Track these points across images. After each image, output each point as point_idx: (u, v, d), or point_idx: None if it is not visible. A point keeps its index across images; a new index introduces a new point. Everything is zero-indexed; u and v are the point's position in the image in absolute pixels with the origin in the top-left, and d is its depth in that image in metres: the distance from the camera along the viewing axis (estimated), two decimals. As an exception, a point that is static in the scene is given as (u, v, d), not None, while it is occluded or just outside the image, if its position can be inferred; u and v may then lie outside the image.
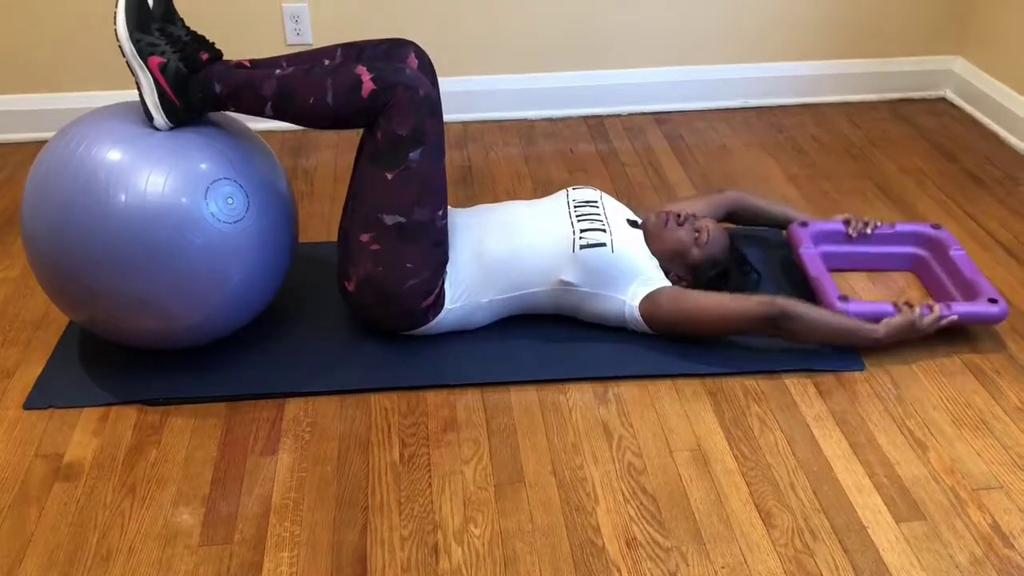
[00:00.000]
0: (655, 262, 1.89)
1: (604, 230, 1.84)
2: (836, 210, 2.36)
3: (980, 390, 1.77)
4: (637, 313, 1.83)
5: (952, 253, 2.00)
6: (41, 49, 2.61)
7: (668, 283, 1.87)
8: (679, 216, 1.94)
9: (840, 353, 1.84)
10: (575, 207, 1.91)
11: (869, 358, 1.84)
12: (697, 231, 1.92)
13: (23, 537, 1.46)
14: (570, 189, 1.99)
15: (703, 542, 1.46)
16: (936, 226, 2.07)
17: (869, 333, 1.80)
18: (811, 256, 1.98)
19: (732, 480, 1.57)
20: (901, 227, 2.09)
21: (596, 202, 1.94)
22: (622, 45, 2.82)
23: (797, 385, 1.78)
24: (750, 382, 1.78)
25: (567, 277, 1.82)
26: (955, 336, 1.89)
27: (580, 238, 1.83)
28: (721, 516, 1.50)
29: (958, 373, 1.81)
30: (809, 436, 1.66)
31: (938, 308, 1.82)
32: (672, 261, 1.91)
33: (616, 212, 1.94)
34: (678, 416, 1.70)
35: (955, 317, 1.82)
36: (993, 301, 1.85)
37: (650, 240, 1.92)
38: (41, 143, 2.63)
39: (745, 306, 1.79)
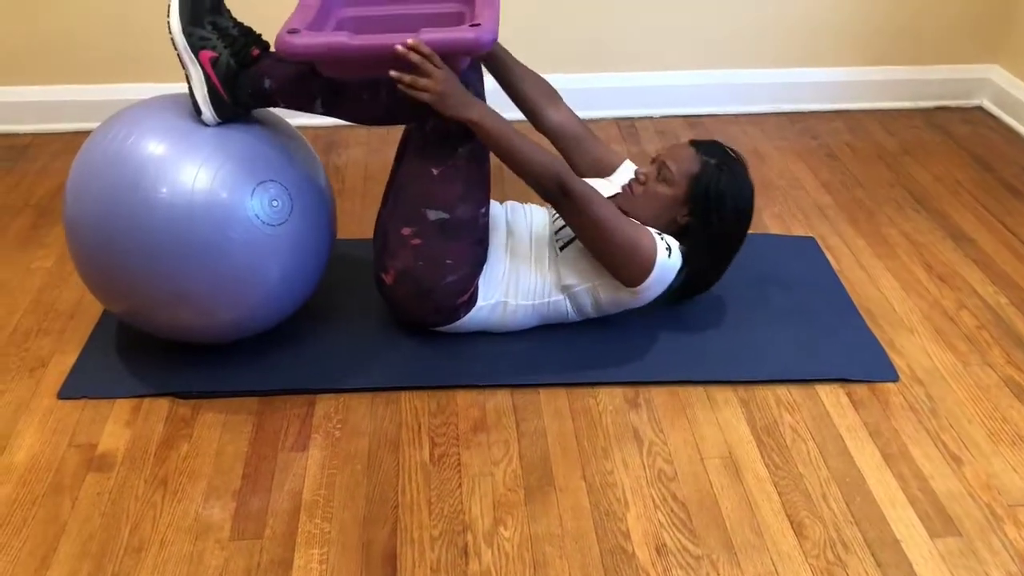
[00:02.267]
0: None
1: None
2: (871, 218, 2.35)
3: (1017, 404, 1.74)
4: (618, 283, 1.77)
5: None
6: (76, 40, 2.63)
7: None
8: (638, 178, 1.84)
9: (873, 363, 1.83)
10: (551, 207, 1.89)
11: (903, 370, 1.82)
12: (659, 172, 1.81)
13: (57, 526, 1.47)
14: None
15: (734, 551, 1.45)
16: None
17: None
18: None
19: (763, 489, 1.56)
20: None
21: None
22: (655, 47, 2.81)
23: (830, 395, 1.76)
24: (782, 391, 1.77)
25: (567, 280, 1.81)
26: (991, 349, 1.87)
27: (556, 239, 1.82)
28: (752, 525, 1.49)
29: (994, 387, 1.78)
30: (842, 447, 1.65)
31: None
32: (666, 214, 1.81)
33: None
34: (709, 423, 1.69)
35: (412, 41, 1.55)
36: (475, 26, 1.59)
37: (637, 215, 1.81)
38: (75, 133, 2.66)
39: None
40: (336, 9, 1.80)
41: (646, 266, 1.74)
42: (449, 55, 1.60)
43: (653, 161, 1.86)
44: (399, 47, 1.55)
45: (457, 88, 1.61)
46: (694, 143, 1.85)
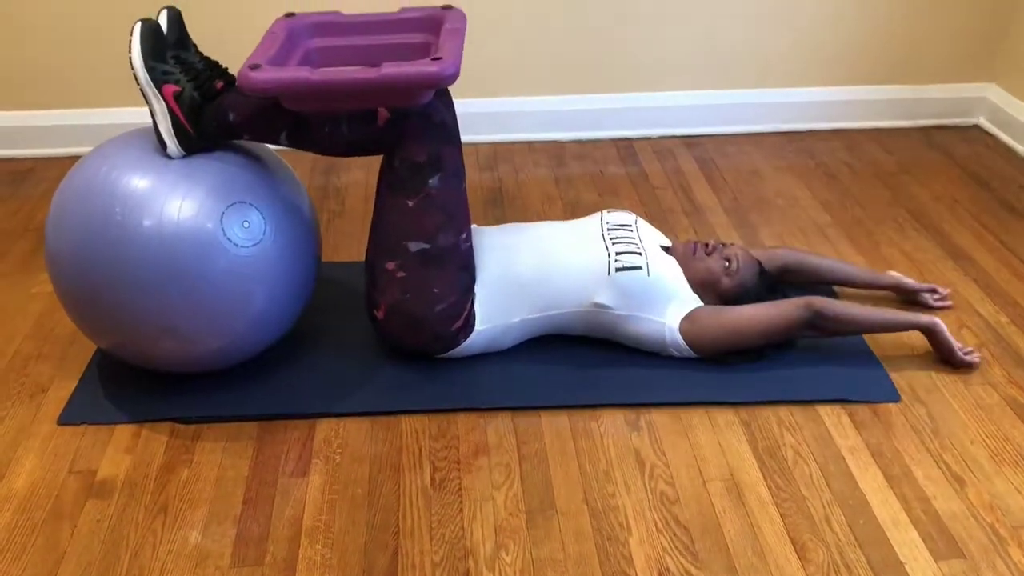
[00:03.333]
0: (688, 287, 1.88)
1: (640, 253, 1.84)
2: (870, 238, 2.35)
3: (1019, 424, 1.74)
4: (678, 335, 1.82)
5: (446, 26, 1.73)
6: (78, 65, 2.64)
7: (702, 303, 1.86)
8: (707, 245, 1.93)
9: (875, 384, 1.82)
10: (609, 230, 1.91)
11: (904, 390, 1.82)
12: (727, 259, 1.91)
13: (56, 553, 1.47)
14: (605, 212, 1.99)
15: (737, 574, 1.44)
16: (447, 7, 1.83)
17: (912, 320, 1.86)
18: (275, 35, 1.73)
19: (766, 512, 1.55)
20: (408, 12, 1.83)
21: (631, 226, 1.93)
22: (652, 68, 2.82)
23: (831, 416, 1.76)
24: (784, 411, 1.76)
25: (602, 300, 1.81)
26: (992, 368, 1.87)
27: (616, 260, 1.82)
28: (755, 548, 1.49)
29: (995, 406, 1.78)
30: (844, 468, 1.64)
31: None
32: (703, 289, 1.90)
33: (650, 237, 1.93)
34: (711, 445, 1.69)
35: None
36: (436, 59, 1.58)
37: (683, 268, 1.91)
38: (78, 158, 2.66)
39: (783, 311, 1.82)
40: (303, 40, 1.81)
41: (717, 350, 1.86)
42: (412, 89, 1.59)
43: (723, 245, 1.96)
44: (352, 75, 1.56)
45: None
46: (760, 263, 1.99)
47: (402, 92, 1.60)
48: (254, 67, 1.57)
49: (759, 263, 1.96)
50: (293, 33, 1.78)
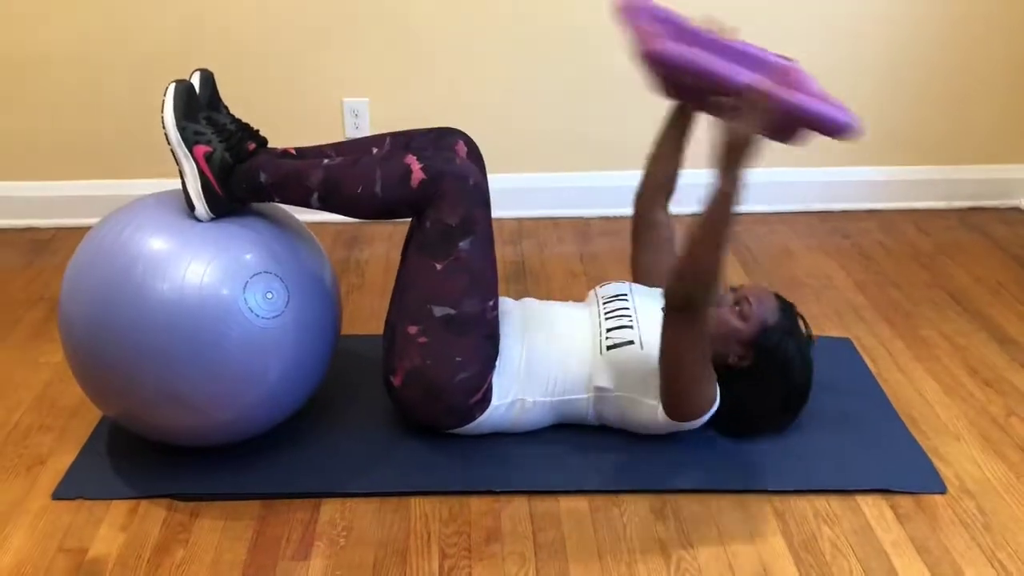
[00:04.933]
0: None
1: (631, 326, 1.74)
2: (908, 320, 2.25)
3: (1078, 521, 1.61)
4: (663, 414, 1.70)
5: (805, 84, 1.63)
6: (101, 136, 2.65)
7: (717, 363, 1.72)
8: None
9: (918, 472, 1.70)
10: (603, 303, 1.83)
11: (950, 480, 1.69)
12: (736, 303, 1.75)
13: (36, 640, 1.37)
14: (598, 287, 1.91)
15: None
16: (785, 57, 1.72)
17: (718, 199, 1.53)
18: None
19: (803, 612, 1.43)
20: (759, 51, 1.72)
21: (625, 295, 1.84)
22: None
23: (872, 507, 1.63)
24: (820, 502, 1.64)
25: (600, 382, 1.72)
26: (1046, 460, 1.75)
27: (606, 338, 1.73)
28: (791, 653, 1.36)
29: (1051, 500, 1.65)
30: (887, 565, 1.51)
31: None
32: (725, 345, 1.74)
33: (647, 304, 1.81)
34: (742, 537, 1.57)
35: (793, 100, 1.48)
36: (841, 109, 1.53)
37: None
38: (96, 228, 2.64)
39: (666, 320, 1.59)
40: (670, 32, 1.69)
41: (702, 409, 1.70)
42: (808, 126, 1.53)
43: (733, 291, 1.80)
44: (772, 88, 1.48)
45: (754, 151, 1.51)
46: (777, 296, 1.80)
47: (800, 124, 1.53)
48: (657, 37, 1.52)
49: (776, 296, 1.79)
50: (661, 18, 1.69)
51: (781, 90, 1.51)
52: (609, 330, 1.76)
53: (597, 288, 1.91)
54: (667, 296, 1.59)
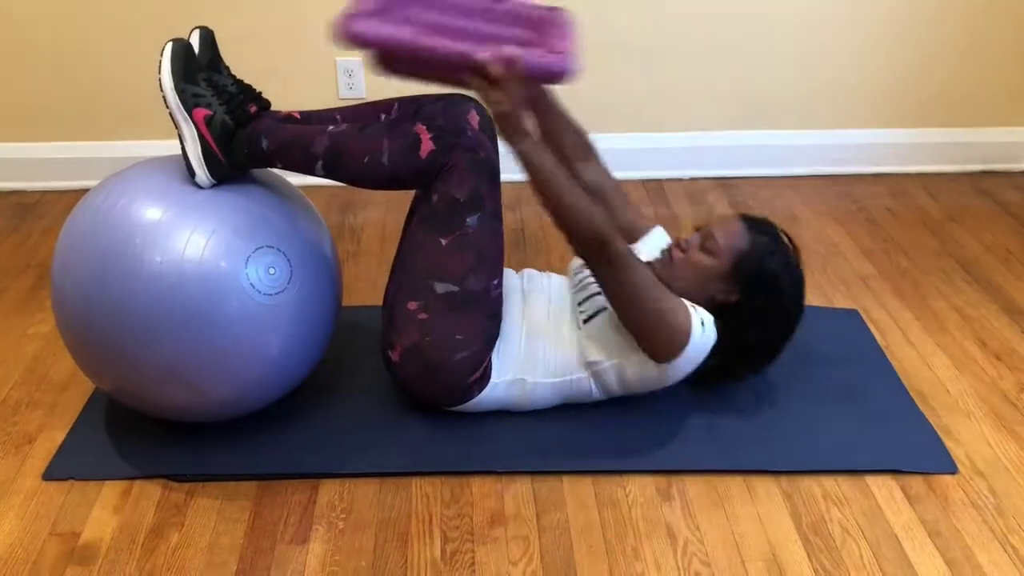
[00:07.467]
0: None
1: (599, 292, 1.68)
2: (917, 289, 2.20)
3: (1091, 503, 1.58)
4: (654, 365, 1.64)
5: (555, 27, 1.62)
6: (87, 96, 2.56)
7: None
8: (679, 245, 1.72)
9: (929, 453, 1.67)
10: (575, 274, 1.78)
11: (962, 461, 1.66)
12: (703, 241, 1.69)
13: (28, 628, 1.34)
14: (572, 261, 1.85)
15: (781, 672, 1.29)
16: (552, 9, 1.69)
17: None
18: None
19: (812, 598, 1.40)
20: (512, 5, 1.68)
21: None
22: (684, 107, 2.71)
23: (882, 488, 1.60)
24: (829, 482, 1.61)
25: (591, 356, 1.67)
26: (1058, 438, 1.71)
27: (580, 311, 1.69)
28: (801, 641, 1.33)
29: (1064, 482, 1.62)
30: (898, 549, 1.48)
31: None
32: (705, 285, 1.67)
33: None
34: (750, 519, 1.54)
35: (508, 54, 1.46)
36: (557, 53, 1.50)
37: (673, 284, 1.68)
38: (84, 191, 2.58)
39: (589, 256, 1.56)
40: (398, 6, 1.63)
41: (679, 341, 1.60)
42: (531, 79, 1.50)
43: (697, 230, 1.73)
44: (487, 56, 1.46)
45: (522, 114, 1.51)
46: (744, 218, 1.72)
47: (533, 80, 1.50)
48: (351, 16, 1.46)
49: (745, 218, 1.71)
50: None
51: (477, 46, 1.48)
52: (580, 303, 1.71)
53: (572, 260, 1.86)
54: (574, 252, 1.58)
